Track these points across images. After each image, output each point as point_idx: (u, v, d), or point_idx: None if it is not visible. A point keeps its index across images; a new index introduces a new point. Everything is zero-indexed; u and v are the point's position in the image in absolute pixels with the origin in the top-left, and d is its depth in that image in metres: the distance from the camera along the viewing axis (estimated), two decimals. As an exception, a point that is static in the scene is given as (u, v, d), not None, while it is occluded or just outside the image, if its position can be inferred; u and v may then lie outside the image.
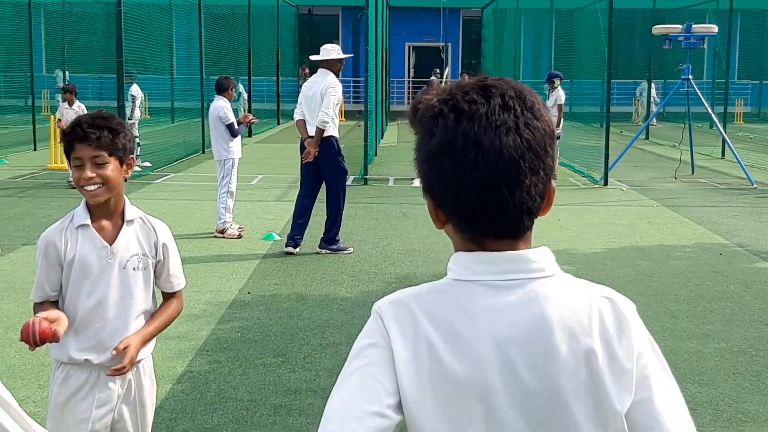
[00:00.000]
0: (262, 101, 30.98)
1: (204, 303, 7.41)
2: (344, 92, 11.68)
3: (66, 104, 15.82)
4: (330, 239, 9.44)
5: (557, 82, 15.56)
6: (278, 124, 30.85)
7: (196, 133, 20.87)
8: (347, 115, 32.62)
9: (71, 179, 13.02)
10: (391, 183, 15.67)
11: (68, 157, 3.05)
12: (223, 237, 10.17)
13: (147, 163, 17.15)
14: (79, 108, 17.60)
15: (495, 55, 33.15)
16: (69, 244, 3.09)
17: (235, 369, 5.84)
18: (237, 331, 6.64)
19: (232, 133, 10.26)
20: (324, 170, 9.33)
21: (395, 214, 12.14)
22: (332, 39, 42.25)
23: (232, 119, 10.32)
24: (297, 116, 9.47)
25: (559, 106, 15.24)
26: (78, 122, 3.04)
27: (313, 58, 9.66)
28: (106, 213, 3.12)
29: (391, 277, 8.38)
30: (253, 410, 5.14)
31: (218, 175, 10.46)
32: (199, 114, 21.07)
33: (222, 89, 10.38)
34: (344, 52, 9.73)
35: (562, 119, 15.50)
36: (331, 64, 9.38)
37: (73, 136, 3.02)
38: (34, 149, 20.79)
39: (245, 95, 26.22)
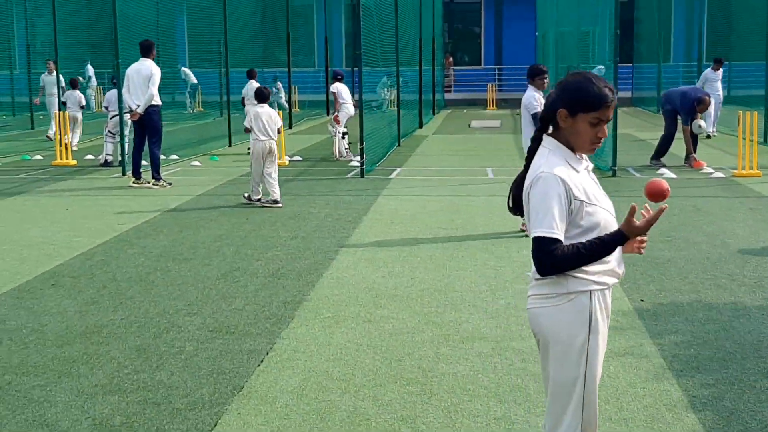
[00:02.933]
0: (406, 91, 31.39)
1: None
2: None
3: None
4: None
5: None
6: (434, 114, 31.00)
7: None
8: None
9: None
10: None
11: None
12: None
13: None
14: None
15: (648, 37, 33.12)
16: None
17: None
18: None
19: (536, 123, 9.44)
20: None
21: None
22: (474, 27, 43.73)
23: (539, 109, 9.32)
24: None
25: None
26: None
27: None
28: None
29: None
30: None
31: None
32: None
33: (531, 75, 9.61)
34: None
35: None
36: None
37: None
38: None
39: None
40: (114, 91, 16.72)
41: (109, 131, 16.76)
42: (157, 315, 6.72)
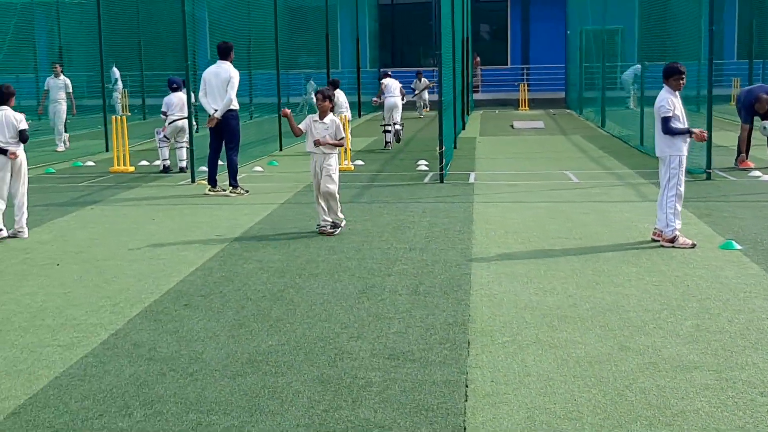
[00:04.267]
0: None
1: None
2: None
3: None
4: None
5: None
6: (467, 115, 30.61)
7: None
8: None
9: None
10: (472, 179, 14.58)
11: None
12: (673, 246, 8.80)
13: None
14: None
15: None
16: None
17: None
18: None
19: (664, 127, 8.85)
20: None
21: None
22: (501, 27, 43.64)
23: (669, 113, 8.82)
24: None
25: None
26: None
27: None
28: None
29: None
30: None
31: (661, 173, 9.08)
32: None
33: (666, 75, 8.93)
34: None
35: None
36: None
37: None
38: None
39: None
40: (173, 96, 16.23)
41: (164, 136, 16.26)
42: (318, 339, 6.21)
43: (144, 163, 17.62)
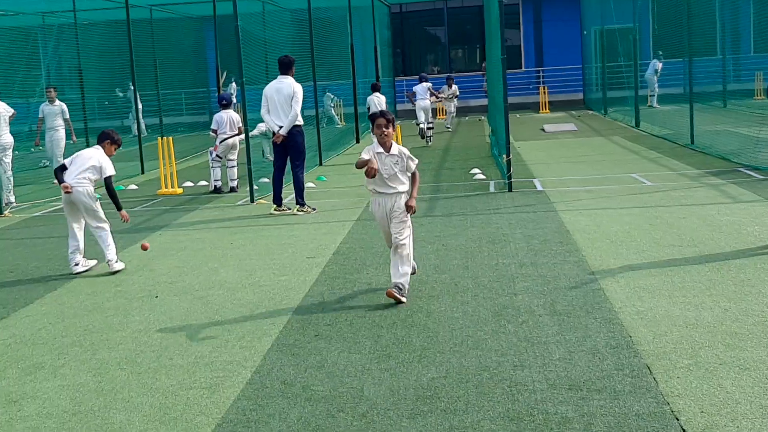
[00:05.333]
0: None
1: None
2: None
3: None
4: None
5: None
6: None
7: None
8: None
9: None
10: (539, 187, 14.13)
11: None
12: None
13: None
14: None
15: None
16: None
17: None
18: None
19: None
20: None
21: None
22: (513, 30, 43.58)
23: None
24: None
25: None
26: None
27: None
28: None
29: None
30: None
31: None
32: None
33: None
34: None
35: None
36: None
37: None
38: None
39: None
40: (223, 113, 15.83)
41: (216, 155, 15.84)
42: (479, 370, 5.78)
43: (188, 183, 17.20)
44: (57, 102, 18.67)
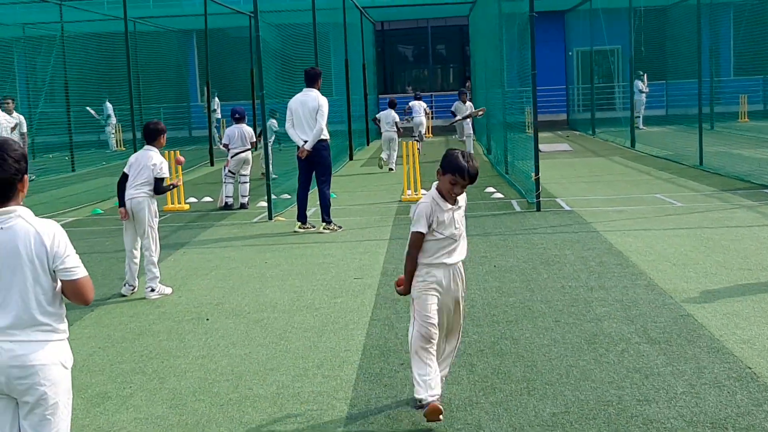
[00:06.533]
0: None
1: None
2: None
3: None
4: None
5: None
6: None
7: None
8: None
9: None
10: (566, 207, 13.72)
11: None
12: None
13: None
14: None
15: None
16: None
17: None
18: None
19: None
20: None
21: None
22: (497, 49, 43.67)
23: None
24: None
25: None
26: None
27: None
28: None
29: None
30: None
31: None
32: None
33: None
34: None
35: None
36: None
37: None
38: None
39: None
40: (235, 127, 15.31)
41: (229, 171, 15.29)
42: (601, 404, 5.32)
43: (192, 199, 16.59)
44: (15, 113, 17.89)
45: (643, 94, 32.66)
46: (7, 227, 3.48)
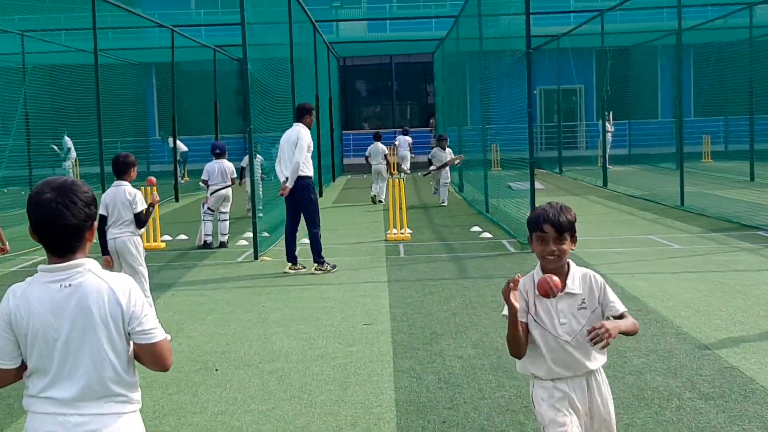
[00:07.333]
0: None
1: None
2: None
3: None
4: None
5: None
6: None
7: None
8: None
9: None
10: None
11: None
12: None
13: None
14: None
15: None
16: None
17: None
18: None
19: None
20: None
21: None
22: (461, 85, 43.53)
23: None
24: None
25: None
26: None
27: None
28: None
29: None
30: None
31: None
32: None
33: None
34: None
35: None
36: None
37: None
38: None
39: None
40: (215, 163, 14.79)
41: (208, 208, 14.73)
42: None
43: (167, 237, 15.98)
44: None
45: (609, 134, 32.69)
46: (77, 284, 2.98)
